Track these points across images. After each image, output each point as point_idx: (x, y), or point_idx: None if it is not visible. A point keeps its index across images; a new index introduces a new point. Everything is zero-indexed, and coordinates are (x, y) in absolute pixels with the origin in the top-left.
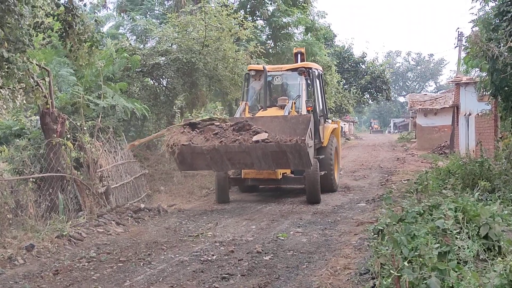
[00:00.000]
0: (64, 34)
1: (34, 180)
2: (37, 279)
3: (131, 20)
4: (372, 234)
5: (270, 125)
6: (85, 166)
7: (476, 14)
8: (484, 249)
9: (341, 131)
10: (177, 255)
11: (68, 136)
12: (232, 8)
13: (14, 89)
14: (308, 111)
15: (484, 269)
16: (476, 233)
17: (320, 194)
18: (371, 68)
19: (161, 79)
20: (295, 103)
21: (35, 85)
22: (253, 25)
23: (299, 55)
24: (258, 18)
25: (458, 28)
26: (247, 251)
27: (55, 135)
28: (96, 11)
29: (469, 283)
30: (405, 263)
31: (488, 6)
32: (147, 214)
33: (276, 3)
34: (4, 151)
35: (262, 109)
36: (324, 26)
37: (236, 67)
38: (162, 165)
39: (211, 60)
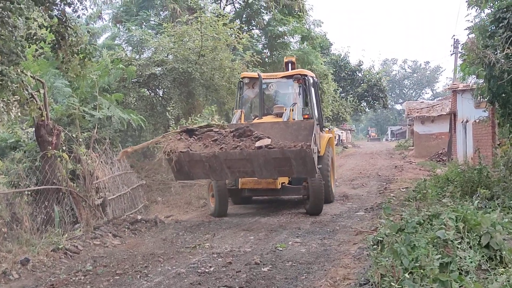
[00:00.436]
0: (56, 45)
1: (29, 193)
2: None
3: (126, 31)
4: (372, 244)
5: (270, 131)
6: (81, 178)
7: (472, 21)
8: (486, 259)
9: (339, 139)
10: (174, 267)
11: (64, 148)
12: (228, 18)
13: (8, 101)
14: (304, 119)
15: (486, 279)
16: (477, 242)
17: (323, 204)
18: (367, 76)
19: (157, 90)
20: (293, 110)
21: (30, 97)
22: (249, 35)
23: (290, 65)
24: (254, 28)
25: (454, 35)
26: (245, 263)
27: (50, 147)
28: (92, 22)
29: None
30: (406, 274)
31: (484, 13)
32: (144, 225)
33: (271, 12)
34: None
35: (257, 118)
36: (320, 34)
37: (233, 76)
38: (159, 175)
39: (208, 69)
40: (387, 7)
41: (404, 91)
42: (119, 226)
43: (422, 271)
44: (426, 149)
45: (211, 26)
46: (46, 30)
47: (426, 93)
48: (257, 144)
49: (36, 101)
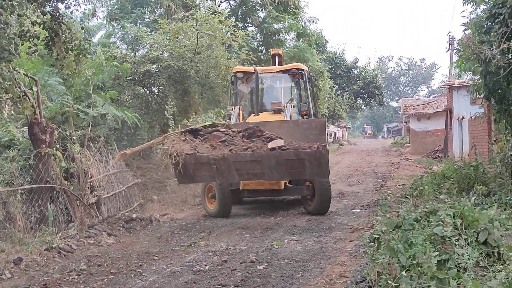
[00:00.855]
0: (50, 42)
1: (23, 191)
2: None
3: (121, 28)
4: (368, 241)
5: (278, 131)
6: (75, 176)
7: (467, 17)
8: (483, 256)
9: (335, 137)
10: (169, 266)
11: (58, 146)
12: (223, 15)
13: (1, 99)
14: (302, 115)
15: (484, 276)
16: (475, 239)
17: (330, 204)
18: (363, 73)
19: (152, 87)
20: (294, 107)
21: (23, 95)
22: (245, 33)
23: (276, 57)
24: (250, 25)
25: (449, 32)
26: (240, 261)
27: (43, 146)
28: (87, 20)
29: None
30: (403, 272)
31: (479, 8)
32: (139, 224)
33: (267, 9)
34: None
35: (254, 114)
36: (316, 32)
37: (228, 74)
38: (155, 173)
39: (203, 67)
40: (382, 3)
41: (400, 88)
42: (114, 225)
43: (419, 268)
44: (422, 146)
45: (206, 24)
46: (39, 27)
47: (422, 90)
48: (270, 145)
49: (29, 99)
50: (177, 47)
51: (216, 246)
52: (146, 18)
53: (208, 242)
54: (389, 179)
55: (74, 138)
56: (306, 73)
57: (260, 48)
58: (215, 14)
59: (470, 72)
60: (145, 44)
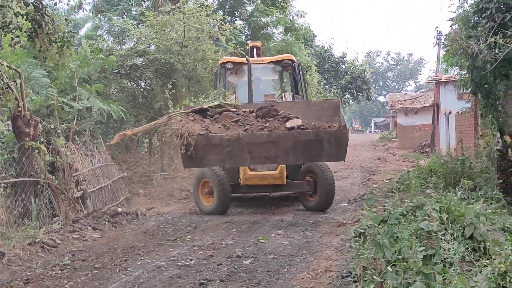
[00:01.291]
0: (33, 34)
1: (6, 185)
2: None
3: (108, 21)
4: (354, 236)
5: (289, 111)
6: (60, 170)
7: (455, 12)
8: (469, 251)
9: None
10: (154, 260)
11: (42, 139)
12: (211, 8)
13: None
14: None
15: (470, 271)
16: (461, 233)
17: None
18: (351, 68)
19: (139, 81)
20: (293, 96)
21: (6, 88)
22: (233, 27)
23: (255, 50)
24: (237, 19)
25: (437, 27)
26: (226, 255)
27: (27, 139)
28: (73, 13)
29: (455, 287)
30: (389, 267)
31: (467, 3)
32: (125, 218)
33: (255, 3)
34: None
35: None
36: (304, 26)
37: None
38: (141, 167)
39: (190, 61)
40: None
41: (387, 83)
42: (99, 219)
43: (405, 263)
44: (410, 140)
45: (194, 17)
46: (22, 18)
47: (409, 85)
48: (288, 124)
49: (12, 91)
50: (164, 40)
51: (202, 240)
52: (133, 10)
53: (194, 237)
54: (376, 173)
55: (59, 131)
56: (297, 64)
57: (248, 41)
58: (203, 7)
59: (457, 67)
60: (132, 37)
